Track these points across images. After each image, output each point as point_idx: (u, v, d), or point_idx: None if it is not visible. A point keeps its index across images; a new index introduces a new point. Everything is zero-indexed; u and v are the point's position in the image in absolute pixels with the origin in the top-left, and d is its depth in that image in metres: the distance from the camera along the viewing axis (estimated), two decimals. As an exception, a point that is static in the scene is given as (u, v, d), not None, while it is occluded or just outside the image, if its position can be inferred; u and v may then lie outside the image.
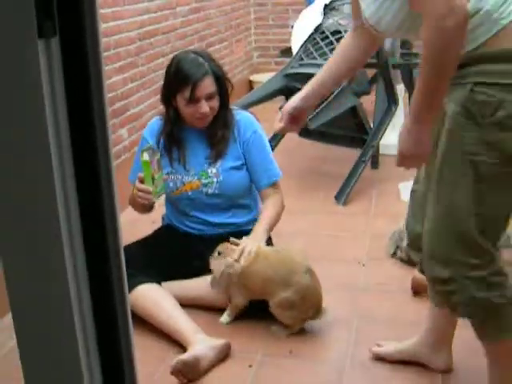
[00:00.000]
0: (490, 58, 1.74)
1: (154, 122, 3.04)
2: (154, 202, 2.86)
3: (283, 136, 4.69)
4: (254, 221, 3.06)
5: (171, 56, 4.73)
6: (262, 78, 6.11)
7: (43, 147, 0.63)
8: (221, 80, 2.86)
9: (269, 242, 3.03)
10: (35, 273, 0.69)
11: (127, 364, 0.75)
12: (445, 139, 1.82)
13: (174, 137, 2.95)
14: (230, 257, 2.72)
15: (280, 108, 6.04)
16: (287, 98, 4.54)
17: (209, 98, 2.83)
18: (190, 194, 2.98)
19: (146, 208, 2.92)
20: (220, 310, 2.83)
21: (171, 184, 2.99)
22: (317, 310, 2.72)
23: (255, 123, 3.01)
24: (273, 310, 2.71)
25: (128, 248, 2.93)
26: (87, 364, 0.72)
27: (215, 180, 2.95)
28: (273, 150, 4.55)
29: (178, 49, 4.97)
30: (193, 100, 2.82)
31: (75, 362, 0.70)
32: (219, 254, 2.75)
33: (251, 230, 2.99)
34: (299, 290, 2.68)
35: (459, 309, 1.95)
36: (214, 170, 2.95)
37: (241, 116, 2.99)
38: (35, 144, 0.63)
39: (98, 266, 0.71)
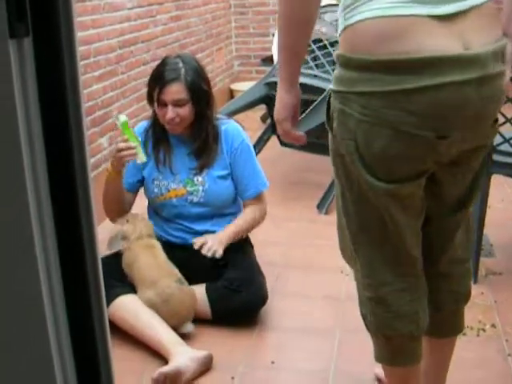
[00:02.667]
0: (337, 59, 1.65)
1: (142, 124, 3.02)
2: (143, 162, 2.82)
3: (265, 144, 4.68)
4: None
5: (152, 64, 4.75)
6: (243, 86, 6.09)
7: (15, 155, 0.60)
8: (195, 89, 2.78)
9: (249, 249, 3.01)
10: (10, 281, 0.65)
11: (105, 377, 0.72)
12: None
13: (160, 138, 2.92)
14: (131, 229, 2.81)
15: (261, 118, 6.03)
16: (268, 107, 4.56)
17: (177, 104, 2.78)
18: (174, 201, 2.95)
19: (121, 168, 2.83)
20: (202, 321, 2.79)
21: (156, 189, 2.96)
22: (178, 322, 2.69)
23: (242, 133, 2.99)
24: None
25: (106, 259, 2.89)
26: (63, 378, 0.68)
27: (201, 188, 2.92)
28: (254, 158, 4.56)
29: (159, 57, 4.93)
30: (160, 103, 2.80)
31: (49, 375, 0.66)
32: (127, 221, 2.85)
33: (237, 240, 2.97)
34: (162, 293, 2.69)
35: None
36: (200, 179, 2.92)
37: (228, 125, 2.96)
38: (5, 152, 0.60)
39: (74, 276, 0.68)
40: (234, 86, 6.79)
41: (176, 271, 2.79)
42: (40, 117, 0.61)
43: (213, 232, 2.96)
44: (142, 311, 2.68)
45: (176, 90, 2.76)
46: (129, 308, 2.69)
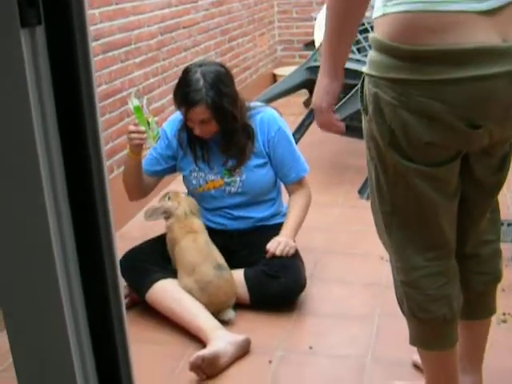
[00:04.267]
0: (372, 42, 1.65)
1: (176, 116, 3.01)
2: (151, 146, 2.88)
3: (306, 129, 4.67)
4: (276, 214, 3.07)
5: (193, 50, 4.78)
6: (286, 71, 6.07)
7: (29, 146, 0.61)
8: (217, 109, 2.75)
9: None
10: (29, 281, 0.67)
11: (125, 373, 0.73)
12: None
13: (195, 135, 2.93)
14: (175, 206, 2.87)
15: (304, 103, 6.01)
16: (310, 92, 4.55)
17: (202, 122, 2.80)
18: (212, 192, 2.98)
19: (137, 151, 2.85)
20: (241, 306, 2.81)
21: (194, 181, 2.99)
22: (217, 309, 2.70)
23: (278, 120, 2.97)
24: None
25: (147, 244, 2.94)
26: (83, 372, 0.70)
27: (238, 179, 2.94)
28: (296, 143, 4.54)
29: (200, 43, 4.96)
30: (187, 119, 2.83)
31: (69, 369, 0.68)
32: (169, 198, 2.90)
33: (275, 224, 2.99)
34: (200, 281, 2.71)
35: None
36: (237, 169, 2.93)
37: (263, 114, 2.95)
38: (21, 144, 0.61)
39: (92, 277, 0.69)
40: (277, 71, 6.78)
41: (216, 255, 2.82)
42: (55, 109, 0.62)
43: (253, 218, 2.99)
44: (182, 296, 2.71)
45: (200, 112, 2.75)
46: (169, 292, 2.72)
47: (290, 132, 3.01)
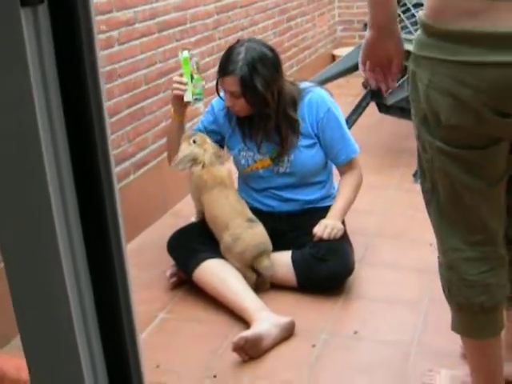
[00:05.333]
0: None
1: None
2: (189, 102, 2.87)
3: (363, 111, 4.60)
4: (327, 197, 3.03)
5: (250, 30, 4.75)
6: (346, 52, 5.99)
7: (32, 137, 0.60)
8: (247, 86, 2.72)
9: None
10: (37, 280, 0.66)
11: (134, 367, 0.72)
12: None
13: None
14: (202, 153, 2.84)
15: (363, 83, 5.94)
16: (367, 73, 4.48)
17: (232, 95, 2.78)
18: (261, 172, 2.96)
19: (179, 111, 2.91)
20: (287, 288, 2.80)
21: (243, 161, 2.98)
22: (252, 258, 2.74)
23: (328, 101, 2.91)
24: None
25: (194, 225, 2.95)
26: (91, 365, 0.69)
27: (286, 159, 2.91)
28: (353, 124, 4.50)
29: (258, 22, 4.93)
30: (222, 89, 2.84)
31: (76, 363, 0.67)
32: (194, 142, 2.86)
33: (325, 207, 2.95)
34: (233, 234, 2.75)
35: None
36: (285, 153, 2.91)
37: (312, 94, 2.90)
38: (23, 135, 0.60)
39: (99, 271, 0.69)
40: (337, 52, 6.70)
41: (247, 210, 2.87)
42: (60, 96, 0.61)
43: (302, 200, 2.96)
44: (228, 276, 2.72)
45: (230, 83, 2.75)
46: (215, 272, 2.73)
47: (340, 113, 2.95)
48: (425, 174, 1.75)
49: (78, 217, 0.65)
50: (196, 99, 2.85)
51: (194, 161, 2.85)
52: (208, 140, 2.89)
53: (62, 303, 0.65)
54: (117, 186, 0.68)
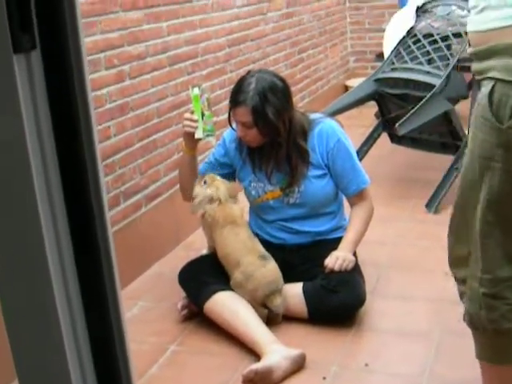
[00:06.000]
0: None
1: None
2: (200, 138, 2.89)
3: (375, 142, 4.62)
4: (337, 228, 3.03)
5: (261, 62, 4.79)
6: (358, 82, 6.02)
7: (26, 184, 0.62)
8: (258, 116, 2.74)
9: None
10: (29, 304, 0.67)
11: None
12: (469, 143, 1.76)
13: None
14: (215, 192, 2.85)
15: (375, 114, 5.93)
16: (378, 104, 4.50)
17: (244, 126, 2.80)
18: (271, 202, 2.97)
19: (191, 146, 2.93)
20: (298, 320, 2.80)
21: (253, 192, 2.99)
22: (264, 296, 2.73)
23: (338, 131, 2.93)
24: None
25: (205, 257, 2.97)
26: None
27: (296, 189, 2.92)
28: (364, 155, 4.52)
29: (269, 54, 4.98)
30: (234, 120, 2.87)
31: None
32: (205, 182, 2.88)
33: (335, 238, 2.95)
34: (245, 271, 2.74)
35: None
36: (295, 183, 2.92)
37: (322, 125, 2.92)
38: (18, 181, 0.62)
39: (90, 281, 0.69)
40: (349, 82, 6.73)
41: (259, 247, 2.86)
42: (54, 141, 0.63)
43: (313, 232, 2.97)
44: (240, 308, 2.72)
45: (241, 113, 2.78)
46: (226, 304, 2.73)
47: (350, 143, 2.96)
48: (489, 206, 1.73)
49: (72, 257, 0.66)
50: (207, 135, 2.88)
51: (210, 201, 2.87)
52: (217, 177, 2.92)
53: (57, 351, 0.66)
54: (110, 230, 0.68)
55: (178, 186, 3.48)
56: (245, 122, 2.78)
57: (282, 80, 2.85)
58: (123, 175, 3.26)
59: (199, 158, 3.42)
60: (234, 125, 2.92)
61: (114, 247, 0.70)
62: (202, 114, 2.85)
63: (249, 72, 2.88)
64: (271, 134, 2.80)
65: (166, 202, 3.63)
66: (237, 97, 2.79)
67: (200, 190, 2.88)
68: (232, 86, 3.91)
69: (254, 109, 2.74)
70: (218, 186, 2.87)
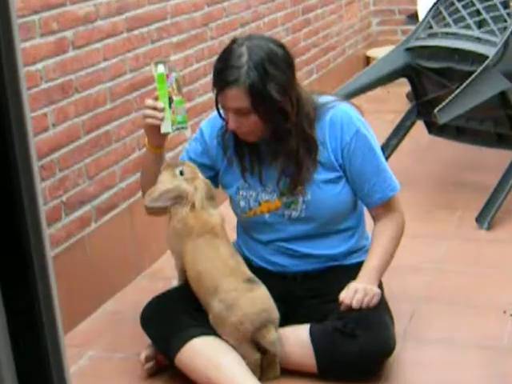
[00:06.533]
0: None
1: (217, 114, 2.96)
2: (168, 133, 2.86)
3: (407, 132, 4.63)
4: (356, 250, 3.03)
5: (253, 25, 4.82)
6: (384, 52, 6.06)
7: None
8: (258, 96, 2.69)
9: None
10: None
11: None
12: None
13: (243, 141, 2.90)
14: (192, 191, 2.82)
15: (407, 95, 6.00)
16: (411, 82, 4.52)
17: (237, 113, 2.75)
18: (266, 216, 2.96)
19: (156, 143, 2.91)
20: (305, 375, 2.81)
21: (242, 203, 2.98)
22: (254, 330, 2.72)
23: (356, 120, 2.90)
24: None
25: (175, 290, 2.97)
26: None
27: (301, 199, 2.91)
28: (392, 151, 4.54)
29: (263, 15, 5.00)
30: (222, 106, 2.81)
31: None
32: (181, 173, 2.84)
33: (353, 264, 2.96)
34: (224, 299, 2.74)
35: None
36: (299, 186, 2.91)
37: (335, 112, 2.89)
38: None
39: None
40: (372, 53, 6.76)
41: (244, 268, 2.85)
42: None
43: (324, 256, 2.98)
44: (222, 358, 2.72)
45: (234, 97, 2.71)
46: (204, 354, 2.72)
47: (373, 136, 2.95)
48: None
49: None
50: (177, 128, 2.84)
51: (180, 199, 2.84)
52: (199, 174, 2.88)
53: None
54: (50, 254, 0.70)
55: (139, 194, 3.49)
56: (239, 108, 2.73)
57: (282, 46, 2.82)
58: (65, 180, 3.25)
59: (169, 154, 3.44)
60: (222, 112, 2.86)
61: (54, 277, 0.71)
62: (170, 101, 2.79)
63: (235, 40, 2.81)
64: (277, 120, 2.77)
65: (124, 216, 3.63)
66: (225, 75, 2.72)
67: (169, 179, 2.84)
68: (213, 59, 3.94)
69: (251, 88, 2.68)
70: (198, 186, 2.84)
